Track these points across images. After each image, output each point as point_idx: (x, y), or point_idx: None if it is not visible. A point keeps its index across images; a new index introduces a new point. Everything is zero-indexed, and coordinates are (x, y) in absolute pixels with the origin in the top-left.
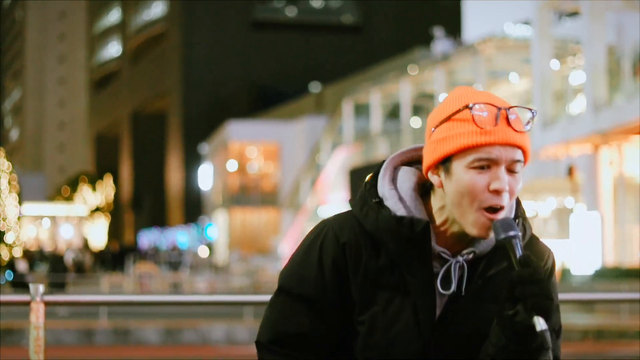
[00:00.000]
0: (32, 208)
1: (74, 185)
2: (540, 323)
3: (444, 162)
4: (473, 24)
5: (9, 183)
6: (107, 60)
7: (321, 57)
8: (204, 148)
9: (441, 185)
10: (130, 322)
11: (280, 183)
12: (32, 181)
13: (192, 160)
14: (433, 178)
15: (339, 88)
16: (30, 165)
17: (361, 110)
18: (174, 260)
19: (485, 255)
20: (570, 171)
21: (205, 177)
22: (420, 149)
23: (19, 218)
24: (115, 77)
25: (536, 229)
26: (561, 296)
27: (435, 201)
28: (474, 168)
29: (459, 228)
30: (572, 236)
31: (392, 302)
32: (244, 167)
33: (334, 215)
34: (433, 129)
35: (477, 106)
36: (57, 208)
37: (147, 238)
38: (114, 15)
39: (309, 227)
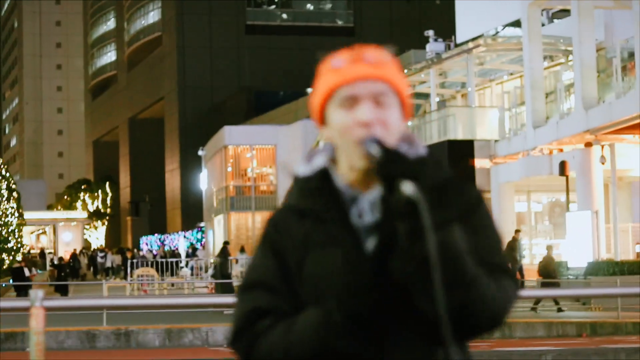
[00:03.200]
0: (32, 215)
1: (73, 191)
2: (407, 188)
3: (324, 121)
4: (465, 25)
5: (9, 191)
6: (104, 67)
7: (315, 59)
8: (202, 152)
9: (331, 140)
10: (131, 325)
11: (277, 186)
12: (31, 188)
13: (190, 164)
14: (325, 137)
15: None
16: (30, 172)
17: None
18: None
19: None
20: (562, 169)
21: (203, 182)
22: None
23: (19, 224)
24: (113, 83)
25: (530, 226)
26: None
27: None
28: (342, 108)
29: (359, 174)
30: (566, 233)
31: (322, 256)
32: (241, 172)
33: None
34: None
35: (334, 56)
36: (57, 214)
37: (147, 242)
38: (109, 23)
39: None
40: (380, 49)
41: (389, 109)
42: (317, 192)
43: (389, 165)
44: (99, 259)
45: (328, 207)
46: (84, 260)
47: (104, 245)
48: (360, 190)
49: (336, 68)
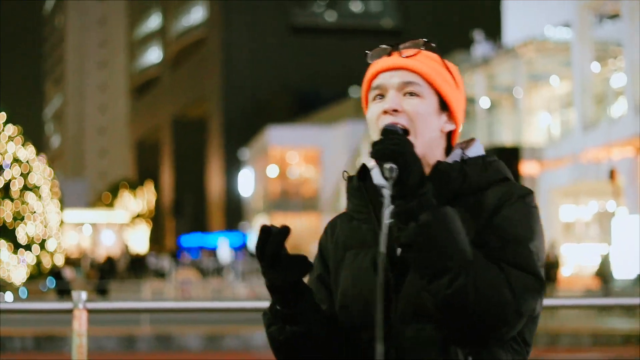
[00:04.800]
0: (73, 214)
1: (115, 191)
2: (387, 166)
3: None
4: (513, 27)
5: (51, 190)
6: (148, 65)
7: (361, 61)
8: (245, 153)
9: None
10: (172, 328)
11: (320, 188)
12: (73, 187)
13: (232, 165)
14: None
15: None
16: (72, 171)
17: None
18: (216, 267)
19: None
20: (611, 174)
21: (246, 183)
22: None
23: (60, 225)
24: (156, 82)
25: (578, 233)
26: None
27: None
28: (374, 100)
29: None
30: (613, 240)
31: (353, 259)
32: (284, 172)
33: None
34: None
35: (372, 52)
36: (99, 214)
37: (189, 245)
38: (154, 21)
39: None
40: (418, 42)
41: (416, 100)
42: (355, 192)
43: (376, 145)
44: (152, 260)
45: (361, 207)
46: (123, 262)
47: (148, 246)
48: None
49: (372, 62)
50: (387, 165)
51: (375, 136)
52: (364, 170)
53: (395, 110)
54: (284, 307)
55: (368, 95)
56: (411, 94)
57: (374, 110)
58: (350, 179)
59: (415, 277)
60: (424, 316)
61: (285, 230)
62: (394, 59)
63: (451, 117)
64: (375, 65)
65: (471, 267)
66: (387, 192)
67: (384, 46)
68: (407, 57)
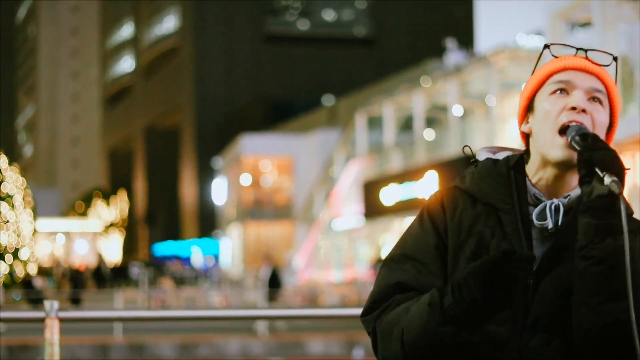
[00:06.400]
0: (46, 224)
1: (88, 200)
2: (607, 178)
3: (530, 109)
4: (485, 35)
5: (24, 199)
6: (120, 75)
7: (334, 70)
8: (218, 162)
9: (531, 132)
10: (145, 337)
11: (294, 196)
12: (46, 197)
13: (205, 174)
14: (525, 128)
15: (352, 101)
16: (45, 180)
17: (374, 123)
18: (188, 275)
19: (579, 199)
20: None
21: (219, 191)
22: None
23: (33, 234)
24: (129, 92)
25: None
26: None
27: (528, 158)
28: (553, 93)
29: (550, 173)
30: None
31: (483, 244)
32: (257, 181)
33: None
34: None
35: (554, 46)
36: (72, 224)
37: (163, 253)
38: (126, 30)
39: (323, 240)
40: (611, 55)
41: (601, 109)
42: (502, 179)
43: (595, 151)
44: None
45: (508, 197)
46: (104, 272)
47: (121, 255)
48: (544, 194)
49: (559, 56)
50: (612, 179)
51: (553, 129)
52: (516, 161)
53: (584, 111)
54: (474, 314)
55: (543, 84)
56: (595, 99)
57: (556, 103)
58: (495, 163)
59: (557, 286)
60: (556, 328)
61: (527, 265)
62: (588, 63)
63: (608, 138)
64: (566, 60)
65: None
66: (623, 209)
67: (570, 47)
68: (600, 65)
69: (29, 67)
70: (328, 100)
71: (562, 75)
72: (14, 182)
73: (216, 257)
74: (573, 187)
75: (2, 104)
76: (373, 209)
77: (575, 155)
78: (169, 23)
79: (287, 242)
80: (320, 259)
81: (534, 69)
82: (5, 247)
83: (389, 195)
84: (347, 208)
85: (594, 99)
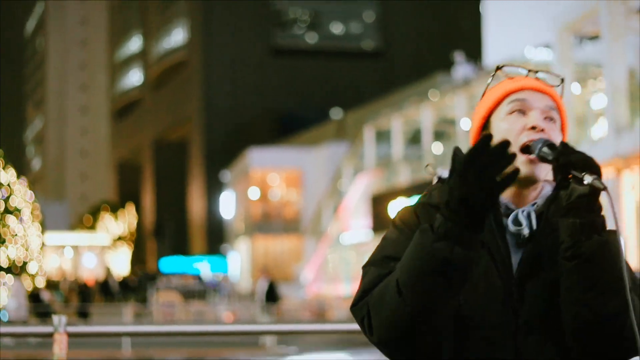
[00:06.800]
0: (54, 237)
1: (96, 213)
2: (588, 177)
3: (485, 128)
4: (493, 48)
5: (32, 212)
6: (129, 88)
7: (342, 83)
8: (226, 175)
9: None
10: (154, 351)
11: (302, 210)
12: (54, 210)
13: (213, 187)
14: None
15: (360, 114)
16: (53, 193)
17: (382, 136)
18: (197, 289)
19: (547, 205)
20: None
21: (227, 205)
22: None
23: (41, 248)
24: (137, 105)
25: None
26: None
27: None
28: (511, 113)
29: (511, 190)
30: None
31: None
32: (265, 195)
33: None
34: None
35: (507, 68)
36: (80, 237)
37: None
38: (135, 43)
39: (331, 254)
40: (559, 76)
41: (555, 128)
42: None
43: (570, 154)
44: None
45: None
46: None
47: (129, 268)
48: (511, 202)
49: (512, 77)
50: (593, 177)
51: (514, 148)
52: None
53: (542, 130)
54: (465, 228)
55: (499, 105)
56: (550, 118)
57: (515, 122)
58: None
59: (542, 288)
60: (548, 329)
61: (505, 150)
62: (542, 84)
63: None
64: (521, 81)
65: (631, 292)
66: (607, 201)
67: (522, 69)
68: (552, 86)
69: (37, 79)
70: (336, 113)
71: (518, 95)
72: (22, 195)
73: (224, 273)
74: (531, 201)
75: (10, 117)
76: (381, 223)
77: (536, 170)
78: (178, 36)
79: (295, 256)
80: (328, 272)
81: (485, 91)
82: (14, 260)
83: (397, 209)
84: (355, 221)
85: (549, 118)
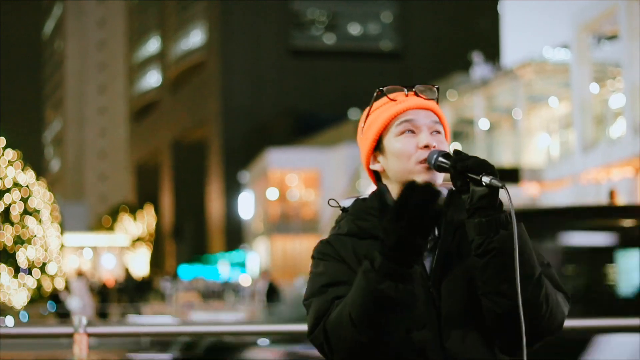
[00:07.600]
0: (73, 238)
1: (115, 214)
2: (485, 178)
3: (377, 148)
4: (512, 48)
5: (51, 213)
6: (147, 89)
7: (360, 84)
8: (244, 176)
9: (383, 170)
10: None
11: (320, 210)
12: (73, 211)
13: (232, 188)
14: (375, 166)
15: None
16: (72, 195)
17: None
18: (216, 290)
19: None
20: (611, 195)
21: (246, 205)
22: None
23: (60, 249)
24: (155, 106)
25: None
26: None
27: (387, 183)
28: (402, 134)
29: None
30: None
31: None
32: (284, 195)
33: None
34: (362, 125)
35: (387, 89)
36: (99, 238)
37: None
38: (153, 45)
39: None
40: (434, 88)
41: (442, 138)
42: (374, 211)
43: (465, 160)
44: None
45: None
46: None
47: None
48: None
49: (393, 99)
50: (490, 177)
51: (412, 163)
52: (379, 194)
53: (434, 147)
54: (404, 265)
55: (389, 125)
56: (437, 132)
57: (408, 142)
58: (364, 201)
59: (456, 285)
60: (467, 322)
61: (432, 189)
62: (424, 101)
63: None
64: (405, 102)
65: (544, 279)
66: (505, 195)
67: (401, 87)
68: (431, 100)
69: (56, 81)
70: (354, 114)
71: (405, 115)
72: (42, 196)
73: (243, 271)
74: None
75: (29, 118)
76: None
77: (435, 176)
78: (195, 37)
79: None
80: None
81: (368, 112)
82: (33, 261)
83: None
84: None
85: (436, 132)
